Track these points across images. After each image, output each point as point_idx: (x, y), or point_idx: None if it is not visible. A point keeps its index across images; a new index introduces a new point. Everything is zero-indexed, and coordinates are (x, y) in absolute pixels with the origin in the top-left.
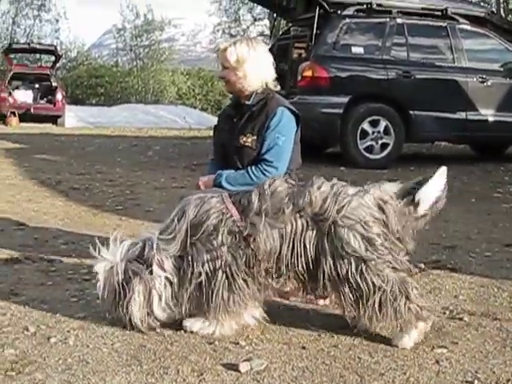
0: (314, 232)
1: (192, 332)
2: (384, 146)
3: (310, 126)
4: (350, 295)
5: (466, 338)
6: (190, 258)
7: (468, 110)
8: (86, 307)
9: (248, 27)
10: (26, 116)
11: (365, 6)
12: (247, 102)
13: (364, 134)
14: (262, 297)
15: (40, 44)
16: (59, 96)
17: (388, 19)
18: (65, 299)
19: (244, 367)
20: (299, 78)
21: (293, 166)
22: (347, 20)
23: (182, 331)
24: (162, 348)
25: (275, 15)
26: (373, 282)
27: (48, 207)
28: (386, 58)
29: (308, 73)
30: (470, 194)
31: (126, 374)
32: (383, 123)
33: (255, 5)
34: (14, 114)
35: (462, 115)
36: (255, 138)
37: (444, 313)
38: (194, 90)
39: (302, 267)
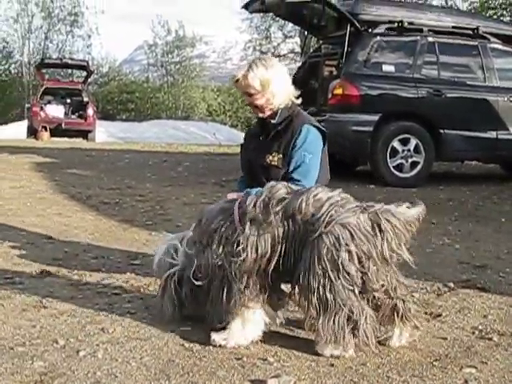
0: (302, 239)
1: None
2: (414, 164)
3: (340, 144)
4: (316, 305)
5: (495, 358)
6: (200, 261)
7: (498, 129)
8: (114, 321)
9: (279, 44)
10: (57, 131)
11: (396, 24)
12: (273, 121)
13: (394, 152)
14: (267, 303)
15: (72, 59)
16: (90, 111)
17: (419, 37)
18: (94, 313)
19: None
20: (330, 95)
21: (321, 182)
22: (378, 38)
23: (211, 346)
24: (191, 363)
25: (306, 33)
26: (335, 300)
27: (78, 221)
28: (416, 77)
29: (338, 91)
30: (500, 214)
31: None
32: (413, 141)
33: (286, 22)
34: (45, 128)
35: (492, 134)
36: (281, 156)
37: (473, 332)
38: (224, 107)
39: (287, 272)
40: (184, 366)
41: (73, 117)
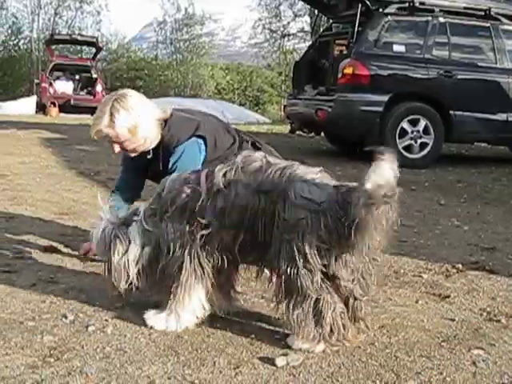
0: (272, 217)
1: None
2: (423, 145)
3: (349, 124)
4: (283, 290)
5: (503, 340)
6: (159, 235)
7: (509, 111)
8: (123, 297)
9: (288, 23)
10: (65, 107)
11: (407, 4)
12: (148, 157)
13: (403, 132)
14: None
15: (81, 35)
16: (99, 87)
17: (430, 18)
18: (103, 288)
19: (280, 362)
20: (340, 75)
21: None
22: (389, 18)
23: (219, 324)
24: (199, 340)
25: (316, 12)
26: (301, 286)
27: (87, 197)
28: (427, 57)
29: (348, 70)
30: (509, 196)
31: (163, 364)
32: (423, 122)
33: (296, 1)
34: (54, 104)
35: (502, 116)
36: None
37: (481, 314)
38: (232, 85)
39: (256, 249)
40: (192, 343)
41: (81, 93)
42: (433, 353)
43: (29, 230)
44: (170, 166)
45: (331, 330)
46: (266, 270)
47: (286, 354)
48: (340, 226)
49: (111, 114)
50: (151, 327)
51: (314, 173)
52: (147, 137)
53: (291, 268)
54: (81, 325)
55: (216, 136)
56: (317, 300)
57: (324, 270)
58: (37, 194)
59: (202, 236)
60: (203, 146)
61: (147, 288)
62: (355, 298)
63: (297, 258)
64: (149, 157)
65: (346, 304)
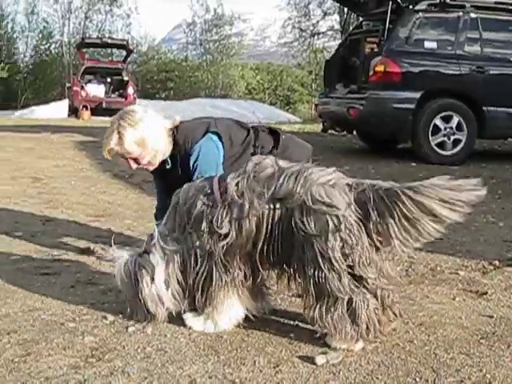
0: (290, 221)
1: (190, 328)
2: (456, 142)
3: (381, 122)
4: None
5: None
6: (183, 249)
7: None
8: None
9: (318, 22)
10: (97, 110)
11: (438, 0)
12: (167, 167)
13: (436, 129)
14: (247, 290)
15: (112, 38)
16: (130, 90)
17: (461, 13)
18: None
19: (320, 360)
20: (371, 72)
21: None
22: (420, 14)
23: (258, 323)
24: (239, 339)
25: (346, 10)
26: (330, 288)
27: (122, 199)
28: (459, 53)
29: (380, 68)
30: None
31: (204, 363)
32: (456, 119)
33: None
34: (86, 107)
35: None
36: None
37: None
38: (262, 85)
39: (275, 258)
40: (232, 342)
41: (113, 96)
42: (472, 350)
43: (65, 232)
44: (190, 165)
45: (367, 328)
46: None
47: (325, 353)
48: (361, 226)
49: (119, 132)
50: (190, 327)
51: (328, 174)
52: (157, 148)
53: (318, 273)
54: (121, 325)
55: (230, 132)
56: (349, 300)
57: (350, 270)
58: (72, 197)
59: (223, 245)
60: (219, 143)
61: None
62: (382, 289)
63: (321, 263)
64: (168, 167)
65: (375, 296)
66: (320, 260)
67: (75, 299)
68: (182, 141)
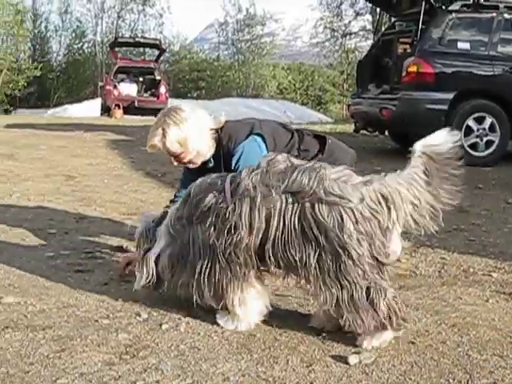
0: (300, 216)
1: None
2: (489, 143)
3: (413, 122)
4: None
5: None
6: (186, 237)
7: None
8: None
9: (350, 22)
10: (129, 109)
11: (471, 1)
12: (210, 165)
13: (469, 130)
14: (260, 286)
15: (144, 38)
16: (163, 89)
17: (495, 14)
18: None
19: (353, 360)
20: (404, 73)
21: None
22: (453, 15)
23: (291, 322)
24: (271, 338)
25: (379, 10)
26: (347, 280)
27: (154, 198)
28: (492, 54)
29: (413, 68)
30: None
31: (237, 361)
32: (489, 120)
33: None
34: (118, 106)
35: None
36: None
37: None
38: (294, 85)
39: (288, 252)
40: (265, 341)
41: (145, 95)
42: (505, 352)
43: (99, 230)
44: (232, 165)
45: (389, 317)
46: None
47: (358, 352)
48: (375, 220)
49: (163, 129)
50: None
51: (340, 171)
52: (199, 149)
53: (336, 264)
54: (154, 323)
55: (274, 134)
56: (368, 289)
57: (368, 259)
58: (105, 195)
59: (231, 240)
60: (262, 144)
61: (174, 286)
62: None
63: (340, 252)
64: (210, 165)
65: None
66: (338, 249)
67: (109, 296)
68: (226, 141)
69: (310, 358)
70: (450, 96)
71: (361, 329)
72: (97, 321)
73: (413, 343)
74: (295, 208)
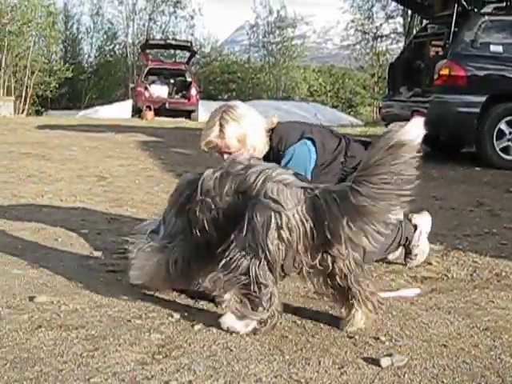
0: (240, 214)
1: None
2: None
3: (445, 125)
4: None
5: None
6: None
7: None
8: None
9: (381, 24)
10: (160, 110)
11: (504, 3)
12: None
13: (501, 134)
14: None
15: (175, 40)
16: (193, 91)
17: None
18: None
19: (385, 362)
20: (436, 76)
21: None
22: (486, 18)
23: (323, 324)
24: (303, 340)
25: (410, 13)
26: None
27: None
28: None
29: (445, 71)
30: None
31: (269, 362)
32: None
33: (389, 2)
34: (149, 108)
35: None
36: None
37: None
38: (325, 87)
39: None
40: (297, 343)
41: (176, 97)
42: None
43: (131, 230)
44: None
45: (267, 319)
46: None
47: (390, 355)
48: (303, 228)
49: (221, 125)
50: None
51: (287, 174)
52: (256, 146)
53: (251, 260)
54: (187, 323)
55: (323, 139)
56: (259, 288)
57: (280, 267)
58: (137, 196)
59: (197, 235)
60: (312, 148)
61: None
62: (358, 282)
63: (260, 253)
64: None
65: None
66: (259, 250)
67: (141, 297)
68: (276, 142)
69: (342, 359)
70: (483, 99)
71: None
72: (129, 321)
73: (445, 346)
74: (242, 207)
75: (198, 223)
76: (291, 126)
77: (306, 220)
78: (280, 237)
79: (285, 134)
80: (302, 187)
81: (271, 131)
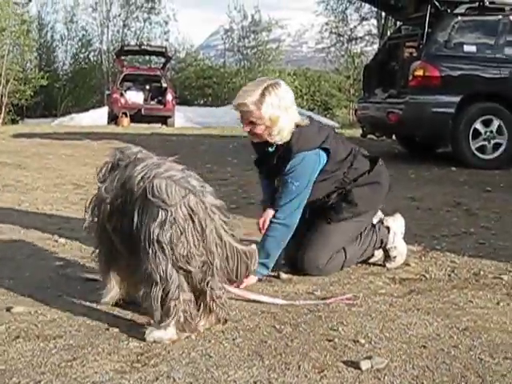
0: (129, 208)
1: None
2: (497, 145)
3: (421, 126)
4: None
5: None
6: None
7: None
8: None
9: (355, 27)
10: (136, 116)
11: (477, 3)
12: (270, 149)
13: (476, 133)
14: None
15: (150, 46)
16: (169, 97)
17: (501, 17)
18: None
19: (365, 365)
20: (410, 77)
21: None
22: (459, 18)
23: (302, 328)
24: (283, 344)
25: (384, 15)
26: (155, 273)
27: None
28: (498, 57)
29: (419, 72)
30: None
31: (249, 368)
32: (496, 123)
33: (363, 4)
34: (125, 114)
35: None
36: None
37: None
38: (301, 90)
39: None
40: (276, 347)
41: (152, 103)
42: None
43: None
44: (287, 167)
45: (182, 318)
46: None
47: (370, 357)
48: (188, 223)
49: (263, 94)
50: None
51: (176, 170)
52: (282, 130)
53: (146, 257)
54: None
55: (336, 149)
56: (165, 288)
57: (175, 261)
58: None
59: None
60: (324, 159)
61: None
62: (212, 289)
63: (150, 249)
64: (270, 149)
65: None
66: (149, 245)
67: (119, 305)
68: (294, 140)
69: (322, 363)
70: (457, 99)
71: (152, 322)
72: (107, 329)
73: (424, 347)
74: (131, 203)
75: (101, 213)
76: (316, 132)
77: (194, 214)
78: (169, 232)
79: (305, 137)
80: (186, 187)
81: (297, 127)
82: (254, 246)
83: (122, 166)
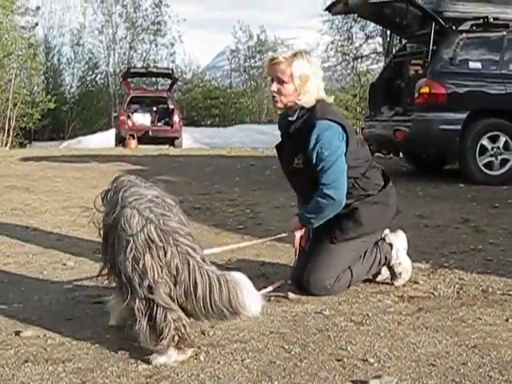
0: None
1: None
2: (504, 161)
3: (428, 143)
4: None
5: None
6: None
7: None
8: (214, 324)
9: (360, 45)
10: (144, 138)
11: (481, 20)
12: (290, 118)
13: (483, 150)
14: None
15: (157, 67)
16: (176, 118)
17: (505, 33)
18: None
19: None
20: (416, 94)
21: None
22: (464, 35)
23: (310, 348)
24: (292, 365)
25: (389, 33)
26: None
27: None
28: (504, 73)
29: (425, 89)
30: None
31: None
32: (503, 139)
33: (368, 22)
34: (132, 136)
35: None
36: (305, 158)
37: None
38: None
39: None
40: (285, 368)
41: (159, 124)
42: None
43: None
44: (312, 138)
45: (172, 337)
46: None
47: (379, 377)
48: (147, 248)
49: (296, 55)
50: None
51: (146, 198)
52: (310, 93)
53: (121, 281)
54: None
55: (355, 146)
56: (149, 316)
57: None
58: None
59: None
60: (343, 137)
61: None
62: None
63: (122, 274)
64: (290, 119)
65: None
66: (121, 270)
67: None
68: (317, 110)
69: (331, 383)
70: (464, 116)
71: (144, 344)
72: (116, 352)
73: (434, 365)
74: (113, 228)
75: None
76: (335, 111)
77: (152, 242)
78: (129, 261)
79: (329, 110)
80: (147, 217)
81: (321, 100)
82: (235, 273)
83: (110, 195)
